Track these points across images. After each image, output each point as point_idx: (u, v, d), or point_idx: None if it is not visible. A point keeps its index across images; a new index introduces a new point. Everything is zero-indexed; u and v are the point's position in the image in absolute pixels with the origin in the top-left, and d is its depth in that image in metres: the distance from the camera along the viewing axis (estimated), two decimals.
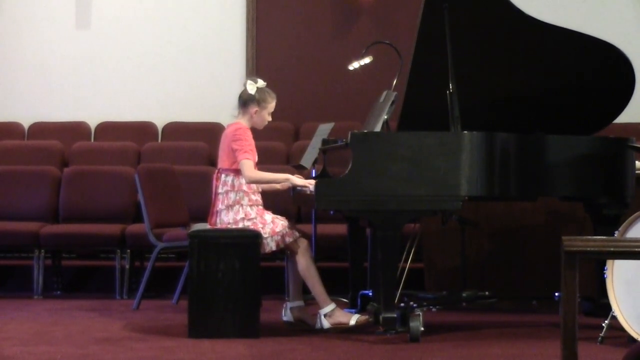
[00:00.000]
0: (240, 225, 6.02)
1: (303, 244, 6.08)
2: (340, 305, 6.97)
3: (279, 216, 6.15)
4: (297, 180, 6.13)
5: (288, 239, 6.04)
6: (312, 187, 5.91)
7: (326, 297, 6.09)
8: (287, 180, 6.16)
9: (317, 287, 6.07)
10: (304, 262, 6.06)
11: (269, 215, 6.11)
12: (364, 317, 6.10)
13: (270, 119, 6.29)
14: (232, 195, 6.07)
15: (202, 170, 8.56)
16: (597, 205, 6.31)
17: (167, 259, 8.25)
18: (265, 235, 5.99)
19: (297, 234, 6.08)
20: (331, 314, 6.07)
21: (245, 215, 6.05)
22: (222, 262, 5.86)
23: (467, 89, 6.08)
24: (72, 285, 8.29)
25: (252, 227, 6.01)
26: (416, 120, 6.24)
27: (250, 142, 6.08)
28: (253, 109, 6.17)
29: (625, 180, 6.23)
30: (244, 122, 6.19)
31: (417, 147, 5.74)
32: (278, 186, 6.27)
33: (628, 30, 9.78)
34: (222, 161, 6.16)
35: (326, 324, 6.06)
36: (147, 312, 6.94)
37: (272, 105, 6.27)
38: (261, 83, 6.25)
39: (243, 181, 6.07)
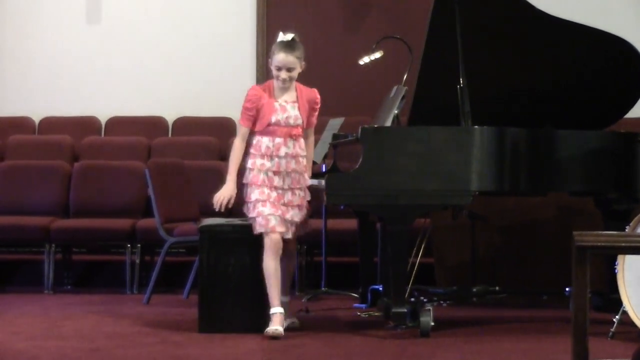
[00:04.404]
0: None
1: (269, 242, 5.73)
2: (351, 300, 6.99)
3: (271, 202, 5.76)
4: (217, 199, 5.78)
5: (258, 228, 5.77)
6: (220, 202, 5.74)
7: (274, 300, 5.71)
8: (222, 192, 5.81)
9: (269, 288, 5.74)
10: (263, 261, 5.77)
11: (255, 194, 5.77)
12: (289, 320, 5.88)
13: (282, 75, 5.78)
14: (247, 157, 5.89)
15: (213, 165, 8.56)
16: (607, 200, 6.30)
17: (178, 253, 8.25)
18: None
19: (271, 229, 5.71)
20: (272, 318, 5.70)
21: (245, 179, 5.83)
22: (232, 257, 5.86)
23: (478, 84, 6.07)
24: (83, 280, 8.31)
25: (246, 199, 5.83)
26: (427, 115, 6.23)
27: (246, 104, 5.81)
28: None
29: (636, 175, 6.21)
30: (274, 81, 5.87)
31: (428, 141, 5.73)
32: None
33: (629, 28, 9.74)
34: None
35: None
36: (157, 307, 6.94)
37: (276, 57, 5.80)
38: (286, 36, 5.83)
39: (253, 142, 5.84)
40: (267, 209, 5.74)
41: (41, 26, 10.10)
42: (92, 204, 8.33)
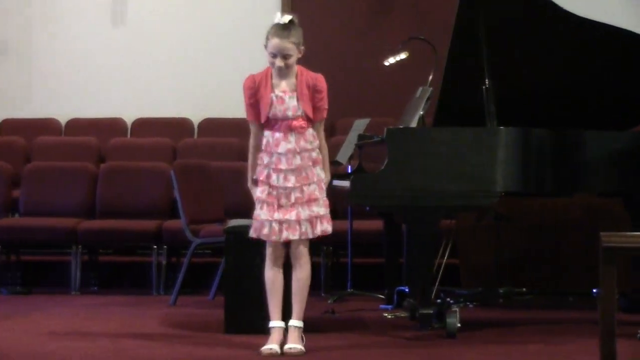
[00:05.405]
0: None
1: (268, 250, 5.29)
2: (377, 301, 6.98)
3: (268, 203, 5.18)
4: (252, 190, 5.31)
5: (251, 232, 5.31)
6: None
7: (272, 313, 5.31)
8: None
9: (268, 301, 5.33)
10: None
11: (258, 191, 5.24)
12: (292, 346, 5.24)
13: (277, 62, 5.26)
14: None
15: (238, 166, 8.56)
16: (636, 201, 6.27)
17: (203, 254, 8.27)
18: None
19: (264, 236, 5.22)
20: (270, 332, 5.29)
21: (258, 174, 5.28)
22: (257, 258, 5.85)
23: (503, 85, 6.05)
24: (109, 281, 8.34)
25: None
26: (452, 116, 6.22)
27: (245, 99, 5.40)
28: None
29: None
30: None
31: (453, 143, 5.72)
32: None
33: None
34: None
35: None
36: (183, 308, 6.96)
37: (270, 43, 5.25)
38: (283, 18, 5.31)
39: (264, 140, 5.33)
40: (263, 213, 5.19)
41: (67, 28, 10.15)
42: (118, 206, 8.35)
